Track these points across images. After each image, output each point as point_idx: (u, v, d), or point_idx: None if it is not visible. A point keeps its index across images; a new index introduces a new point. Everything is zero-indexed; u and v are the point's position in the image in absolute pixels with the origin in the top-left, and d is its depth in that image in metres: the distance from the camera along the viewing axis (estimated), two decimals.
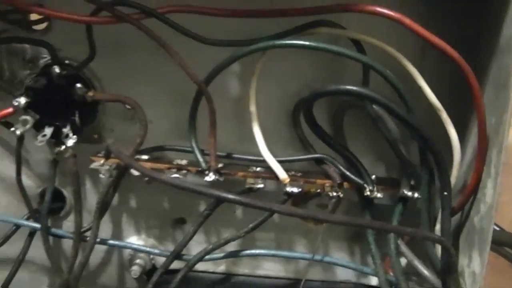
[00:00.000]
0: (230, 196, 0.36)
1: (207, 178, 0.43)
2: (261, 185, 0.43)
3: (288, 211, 0.37)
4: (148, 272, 0.48)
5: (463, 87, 0.37)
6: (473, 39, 0.39)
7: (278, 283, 0.48)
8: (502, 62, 0.36)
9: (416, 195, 0.42)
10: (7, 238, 0.47)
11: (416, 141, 0.40)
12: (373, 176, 0.43)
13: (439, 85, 0.39)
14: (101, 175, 0.44)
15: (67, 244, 0.49)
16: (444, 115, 0.39)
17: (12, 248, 0.49)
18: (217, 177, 0.43)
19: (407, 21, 0.36)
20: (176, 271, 0.45)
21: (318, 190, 0.43)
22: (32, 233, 0.48)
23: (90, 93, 0.43)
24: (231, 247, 0.45)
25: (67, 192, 0.48)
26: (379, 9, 0.37)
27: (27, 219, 0.48)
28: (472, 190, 0.38)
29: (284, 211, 0.37)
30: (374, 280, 0.47)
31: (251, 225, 0.43)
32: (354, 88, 0.39)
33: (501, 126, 0.36)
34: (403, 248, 0.42)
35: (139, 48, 0.42)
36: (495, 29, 0.37)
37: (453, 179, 0.40)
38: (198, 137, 0.44)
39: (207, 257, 0.44)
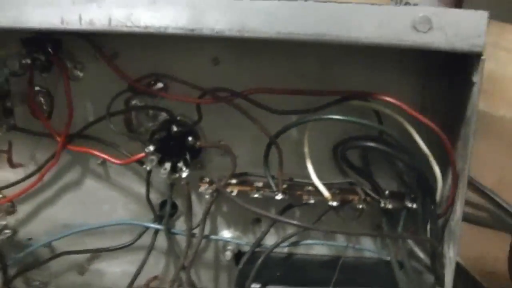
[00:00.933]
0: (277, 217, 0.67)
1: (277, 197, 0.71)
2: (312, 201, 0.72)
3: (319, 228, 0.68)
4: (236, 254, 0.78)
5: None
6: (453, 114, 0.67)
7: (324, 259, 0.77)
8: (465, 131, 0.64)
9: (414, 205, 0.70)
10: (140, 236, 0.78)
11: (414, 173, 0.69)
12: (387, 192, 0.72)
13: (429, 139, 0.67)
14: (206, 196, 0.74)
15: (179, 238, 0.79)
16: (431, 159, 0.66)
17: (141, 241, 0.79)
18: (283, 196, 0.72)
19: (405, 107, 0.64)
20: (255, 252, 0.75)
21: (350, 200, 0.73)
22: (156, 232, 0.78)
23: (198, 143, 0.72)
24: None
25: (179, 203, 0.78)
26: (388, 98, 0.65)
27: (153, 222, 0.78)
28: (449, 206, 0.67)
29: (312, 227, 0.68)
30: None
31: (306, 225, 0.73)
32: (376, 145, 0.67)
33: (465, 168, 0.64)
34: (408, 240, 0.72)
35: (234, 113, 0.69)
36: (463, 110, 0.65)
37: (437, 198, 0.68)
38: (269, 167, 0.73)
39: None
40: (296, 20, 0.59)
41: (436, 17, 0.58)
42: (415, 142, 0.66)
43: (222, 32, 0.59)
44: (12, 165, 0.79)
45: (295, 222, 0.70)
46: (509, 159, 1.15)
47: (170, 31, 0.60)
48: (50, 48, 0.70)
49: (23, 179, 0.78)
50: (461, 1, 1.25)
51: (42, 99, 0.75)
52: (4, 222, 0.82)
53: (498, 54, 1.23)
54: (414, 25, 0.58)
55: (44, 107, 0.75)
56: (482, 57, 0.59)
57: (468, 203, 1.00)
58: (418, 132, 0.66)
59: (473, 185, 1.02)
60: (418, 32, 0.58)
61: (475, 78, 0.60)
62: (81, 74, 0.73)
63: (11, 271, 0.83)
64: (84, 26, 0.61)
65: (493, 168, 1.14)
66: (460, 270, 0.73)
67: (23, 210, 0.81)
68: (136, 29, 0.60)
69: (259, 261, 0.73)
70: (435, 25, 0.58)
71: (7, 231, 0.81)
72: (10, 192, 0.79)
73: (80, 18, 0.61)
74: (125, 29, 0.61)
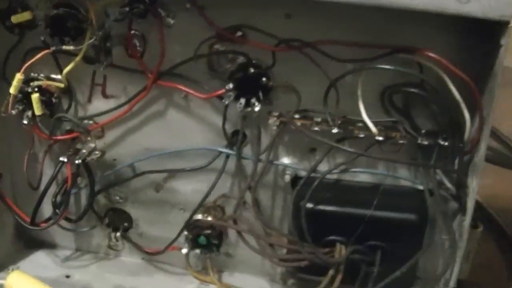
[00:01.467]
0: (329, 142, 0.88)
1: (333, 130, 0.90)
2: (362, 135, 0.91)
3: (370, 155, 0.89)
4: (293, 178, 0.99)
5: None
6: (482, 69, 0.85)
7: (367, 185, 0.96)
8: (492, 84, 0.84)
9: (446, 143, 0.90)
10: (214, 159, 0.98)
11: (448, 116, 0.89)
12: (423, 130, 0.91)
13: (461, 89, 0.87)
14: (273, 127, 0.94)
15: (245, 162, 0.98)
16: (462, 105, 0.85)
17: (214, 164, 0.99)
18: (338, 130, 0.91)
19: (443, 61, 0.84)
20: (310, 177, 0.95)
21: (393, 136, 0.93)
22: (227, 156, 0.98)
23: (270, 83, 0.92)
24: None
25: (248, 132, 0.97)
26: (429, 53, 0.84)
27: (226, 148, 0.98)
28: (475, 144, 0.87)
29: (361, 153, 0.89)
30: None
31: (357, 151, 0.93)
32: (417, 91, 0.86)
33: (489, 114, 0.83)
34: (438, 170, 0.93)
35: (301, 59, 0.88)
36: (491, 66, 0.84)
37: (466, 137, 0.88)
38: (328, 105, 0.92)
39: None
40: None
41: None
42: (450, 90, 0.84)
43: None
44: (105, 96, 0.99)
45: (349, 148, 0.90)
46: None
47: None
48: None
49: (114, 108, 0.97)
50: None
51: (136, 41, 0.94)
52: (93, 145, 1.02)
53: None
54: None
55: (138, 48, 0.94)
56: (510, 25, 0.78)
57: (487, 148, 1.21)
58: (453, 82, 0.84)
59: (492, 132, 1.24)
60: (460, 3, 0.77)
61: (503, 41, 0.78)
62: (172, 22, 0.91)
63: (96, 187, 1.03)
64: None
65: (509, 116, 1.35)
66: (476, 205, 0.94)
67: (111, 135, 1.01)
68: None
69: (314, 184, 0.93)
70: None
71: (96, 152, 1.02)
72: (100, 120, 0.99)
73: None
74: None
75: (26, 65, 0.93)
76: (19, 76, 0.94)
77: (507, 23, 0.77)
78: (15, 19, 0.93)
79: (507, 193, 1.17)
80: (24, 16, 0.93)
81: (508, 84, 1.41)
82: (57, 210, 1.02)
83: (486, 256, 1.11)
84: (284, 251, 1.00)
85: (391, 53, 0.86)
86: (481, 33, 0.84)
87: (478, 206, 1.11)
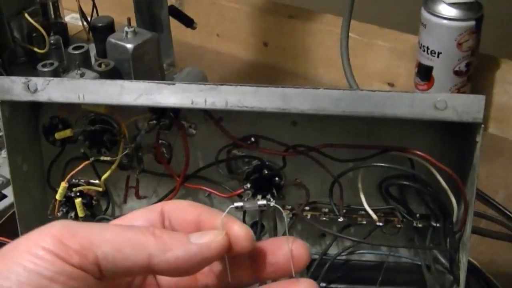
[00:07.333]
0: (337, 233, 1.04)
1: (339, 219, 1.07)
2: (364, 222, 1.08)
3: (366, 241, 1.06)
4: None
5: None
6: (463, 162, 1.04)
7: (372, 264, 1.13)
8: (471, 174, 1.00)
9: (437, 224, 1.06)
10: None
11: (437, 202, 1.06)
12: (418, 215, 1.08)
13: (447, 179, 1.04)
14: (287, 219, 1.11)
15: None
16: (449, 193, 1.00)
17: None
18: (343, 219, 1.08)
19: (430, 158, 1.01)
20: (322, 259, 1.12)
21: (391, 220, 1.10)
22: None
23: (282, 181, 1.09)
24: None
25: (265, 223, 1.15)
26: (418, 152, 1.02)
27: None
28: (462, 225, 1.03)
29: (364, 241, 1.05)
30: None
31: (361, 240, 1.10)
32: (410, 183, 1.04)
33: (472, 200, 1.00)
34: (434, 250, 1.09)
35: (308, 160, 1.05)
36: (470, 160, 1.01)
37: (454, 219, 1.04)
38: (333, 198, 1.10)
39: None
40: (355, 102, 0.94)
41: (449, 99, 0.92)
42: (438, 181, 1.01)
43: (305, 111, 0.93)
44: (139, 197, 1.16)
45: (352, 238, 1.07)
46: None
47: (268, 110, 0.94)
48: (172, 113, 1.07)
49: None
50: (478, 47, 1.62)
51: (164, 149, 1.11)
52: None
53: (508, 88, 1.61)
54: (435, 105, 0.94)
55: (166, 155, 1.12)
56: (482, 125, 0.94)
57: (483, 216, 1.38)
58: (440, 174, 1.01)
59: (487, 200, 1.41)
60: (437, 110, 0.94)
61: (477, 138, 0.94)
62: (194, 132, 1.08)
63: None
64: (208, 106, 0.95)
65: (504, 185, 1.53)
66: (475, 271, 1.10)
67: None
68: (245, 109, 0.94)
69: (326, 266, 1.10)
70: (449, 105, 0.93)
71: None
72: None
73: (205, 101, 0.97)
74: (236, 109, 0.95)
75: (70, 174, 1.10)
76: (63, 184, 1.10)
77: (480, 123, 0.93)
78: (58, 136, 1.09)
79: (505, 256, 1.33)
80: (66, 133, 1.09)
81: (502, 154, 1.59)
82: None
83: None
84: None
85: (385, 151, 1.03)
86: (459, 132, 1.01)
87: (476, 271, 1.27)
